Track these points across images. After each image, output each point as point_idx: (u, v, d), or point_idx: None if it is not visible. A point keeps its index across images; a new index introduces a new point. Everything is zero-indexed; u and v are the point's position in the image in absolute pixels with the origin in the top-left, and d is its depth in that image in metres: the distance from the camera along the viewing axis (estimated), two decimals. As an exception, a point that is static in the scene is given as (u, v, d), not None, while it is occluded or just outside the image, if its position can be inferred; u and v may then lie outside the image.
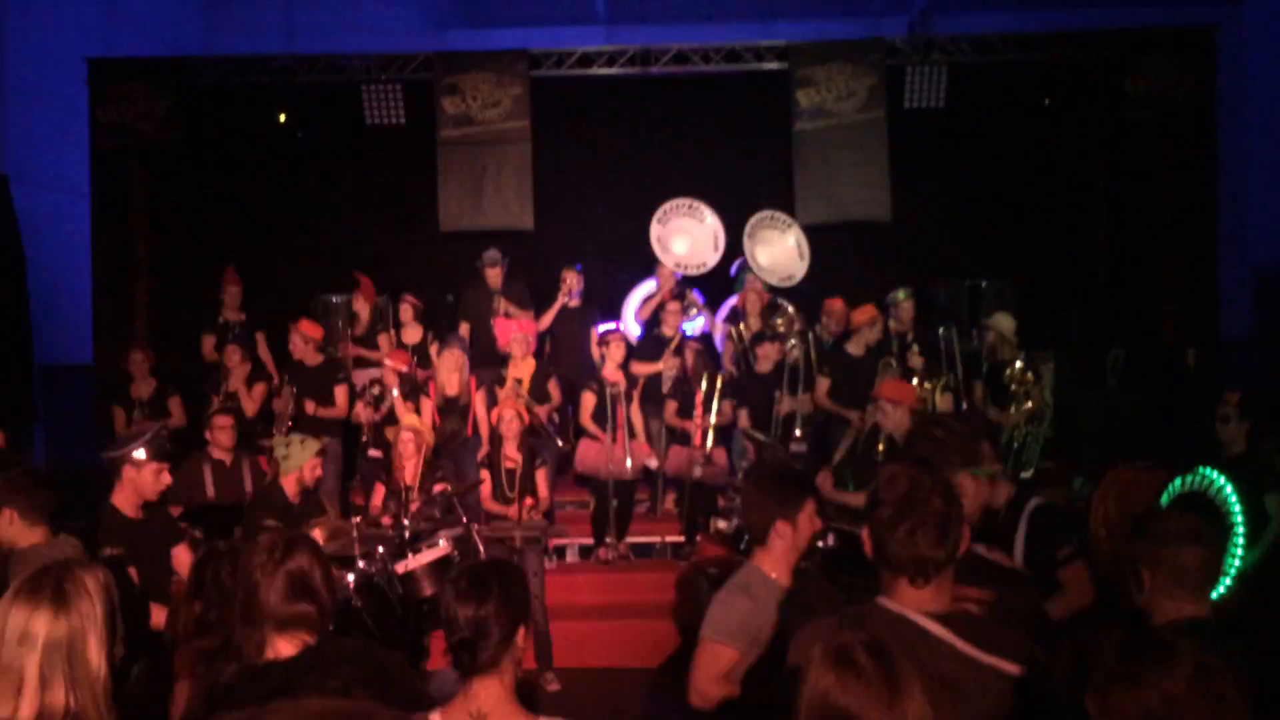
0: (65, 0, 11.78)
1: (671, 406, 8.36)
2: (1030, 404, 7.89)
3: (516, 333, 8.53)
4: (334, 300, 10.31)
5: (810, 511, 3.39)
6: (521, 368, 8.42)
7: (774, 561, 3.38)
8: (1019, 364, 7.99)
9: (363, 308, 9.57)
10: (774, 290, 9.54)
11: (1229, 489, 4.50)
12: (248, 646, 2.72)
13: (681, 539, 8.28)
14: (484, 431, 8.33)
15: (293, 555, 2.73)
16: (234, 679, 2.67)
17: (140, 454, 4.83)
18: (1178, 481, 4.66)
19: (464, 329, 9.41)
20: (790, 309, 9.08)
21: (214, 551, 3.52)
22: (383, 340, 9.55)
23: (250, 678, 2.64)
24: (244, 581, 2.75)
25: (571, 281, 9.38)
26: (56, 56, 11.29)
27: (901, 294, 9.03)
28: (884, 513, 2.38)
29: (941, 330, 8.85)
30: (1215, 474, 4.48)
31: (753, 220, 9.68)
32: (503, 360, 8.78)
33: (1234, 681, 2.07)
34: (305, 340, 8.59)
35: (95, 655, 2.45)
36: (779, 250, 9.63)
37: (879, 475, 2.51)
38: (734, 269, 9.93)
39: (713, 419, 8.25)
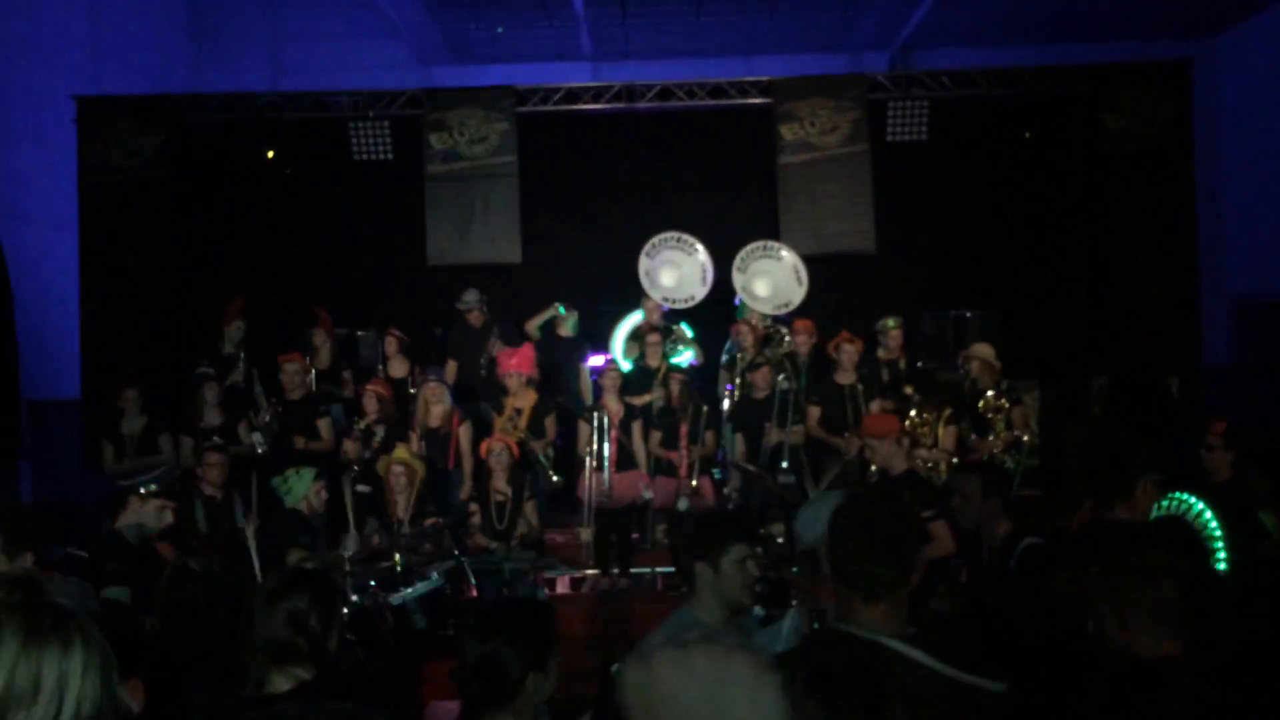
0: (52, 38, 11.83)
1: (655, 437, 8.39)
2: (1015, 431, 7.93)
3: (511, 368, 8.54)
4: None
5: (737, 556, 3.14)
6: (522, 399, 8.43)
7: (701, 606, 3.19)
8: (991, 393, 8.05)
9: (322, 342, 9.57)
10: (774, 319, 9.62)
11: (1207, 512, 4.56)
12: (248, 677, 2.77)
13: (673, 570, 8.28)
14: (466, 466, 8.33)
15: (293, 593, 2.77)
16: (230, 711, 2.70)
17: (151, 487, 4.87)
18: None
19: (451, 366, 9.42)
20: (786, 338, 9.15)
21: (185, 571, 3.55)
22: (346, 375, 9.57)
23: (242, 710, 2.68)
24: (244, 613, 2.79)
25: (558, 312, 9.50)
26: (44, 94, 11.34)
27: (890, 322, 9.10)
28: (837, 531, 2.40)
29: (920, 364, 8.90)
30: (1192, 498, 4.54)
31: (742, 253, 9.73)
32: (490, 396, 8.81)
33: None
34: (290, 374, 8.60)
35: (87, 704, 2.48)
36: (779, 277, 9.67)
37: (839, 501, 2.55)
38: (738, 299, 9.97)
39: (699, 450, 8.29)
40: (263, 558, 5.54)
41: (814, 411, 8.50)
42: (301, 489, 6.21)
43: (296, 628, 2.73)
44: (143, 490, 4.91)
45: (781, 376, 8.53)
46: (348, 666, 5.06)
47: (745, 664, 1.72)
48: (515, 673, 2.57)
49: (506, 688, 2.58)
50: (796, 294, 9.63)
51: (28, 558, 3.98)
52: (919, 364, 9.15)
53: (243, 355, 9.45)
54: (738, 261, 9.72)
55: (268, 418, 8.50)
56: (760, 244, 9.91)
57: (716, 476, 8.79)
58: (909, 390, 8.59)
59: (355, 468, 8.20)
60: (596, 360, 9.66)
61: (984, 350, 8.36)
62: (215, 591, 3.46)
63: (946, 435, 8.07)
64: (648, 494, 8.15)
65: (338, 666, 2.87)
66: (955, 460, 7.70)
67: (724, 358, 9.55)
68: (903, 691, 2.14)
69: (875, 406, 8.34)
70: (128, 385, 8.92)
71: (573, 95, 11.09)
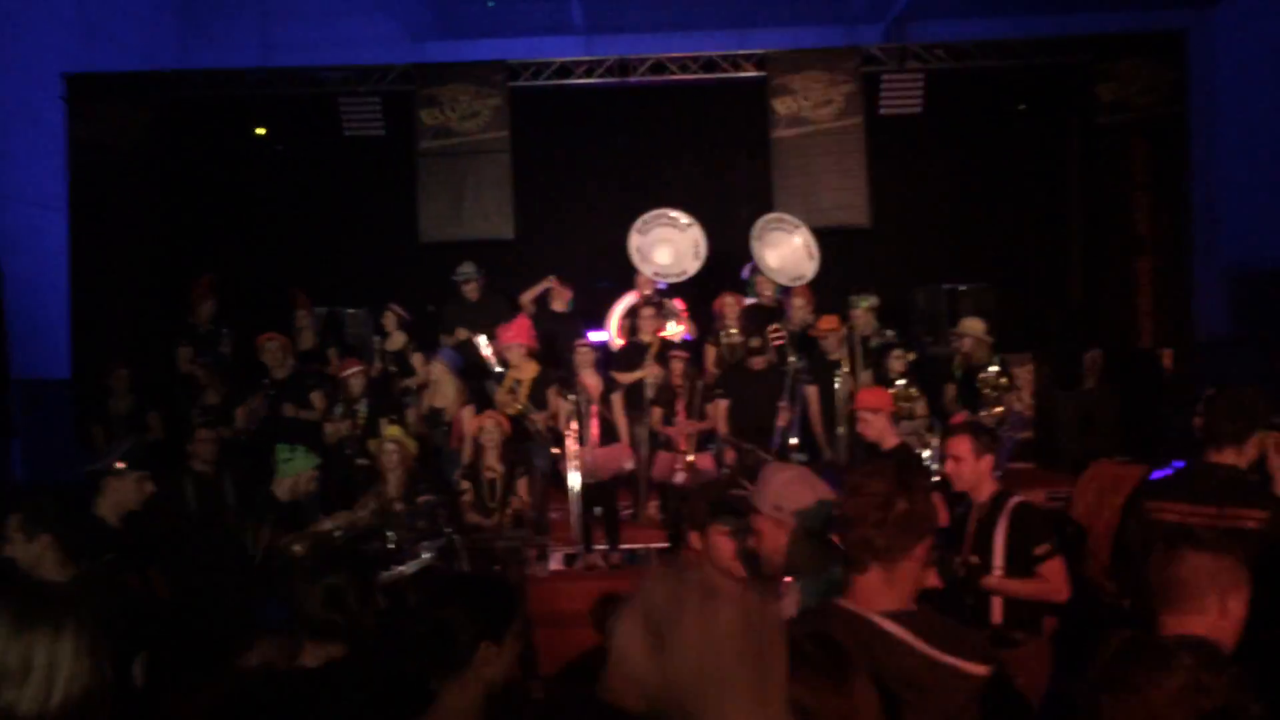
0: (41, 16, 11.72)
1: (656, 413, 8.37)
2: (1001, 408, 7.91)
3: (509, 340, 8.50)
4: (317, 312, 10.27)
5: (722, 529, 3.19)
6: (523, 370, 8.39)
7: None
8: (994, 368, 8.02)
9: (304, 323, 9.55)
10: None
11: None
12: (282, 648, 2.89)
13: (667, 545, 8.27)
14: (466, 448, 8.31)
15: (332, 570, 2.87)
16: (256, 684, 2.76)
17: (120, 465, 4.86)
18: None
19: (447, 342, 9.39)
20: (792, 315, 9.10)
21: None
22: (332, 354, 9.56)
23: (272, 685, 2.74)
24: (288, 588, 2.89)
25: (556, 288, 9.46)
26: (33, 72, 11.24)
27: (861, 302, 8.96)
28: (831, 513, 2.45)
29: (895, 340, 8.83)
30: None
31: (759, 223, 9.63)
32: (486, 372, 8.79)
33: (1232, 699, 2.07)
34: (273, 351, 8.59)
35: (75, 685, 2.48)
36: (788, 251, 9.61)
37: (857, 473, 2.51)
38: (745, 272, 9.91)
39: (695, 424, 8.27)
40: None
41: (811, 391, 8.46)
42: (301, 465, 6.17)
43: (334, 605, 2.81)
44: (118, 466, 4.88)
45: (793, 359, 8.47)
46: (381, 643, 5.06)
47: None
48: (465, 641, 2.51)
49: (454, 656, 2.51)
50: (808, 267, 9.54)
51: (44, 540, 3.97)
52: (888, 332, 9.06)
53: (225, 331, 9.43)
54: (755, 231, 9.57)
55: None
56: (775, 216, 9.81)
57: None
58: (911, 356, 8.54)
59: (349, 449, 8.20)
60: (594, 336, 9.62)
61: (975, 326, 8.33)
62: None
63: (922, 408, 8.06)
64: (628, 465, 8.14)
65: (372, 645, 2.88)
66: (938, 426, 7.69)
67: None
68: (883, 668, 2.14)
69: (865, 378, 8.34)
70: (117, 366, 8.90)
71: (565, 70, 11.01)
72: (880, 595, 2.32)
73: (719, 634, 1.67)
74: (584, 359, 8.40)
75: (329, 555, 2.90)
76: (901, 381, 8.05)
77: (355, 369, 8.46)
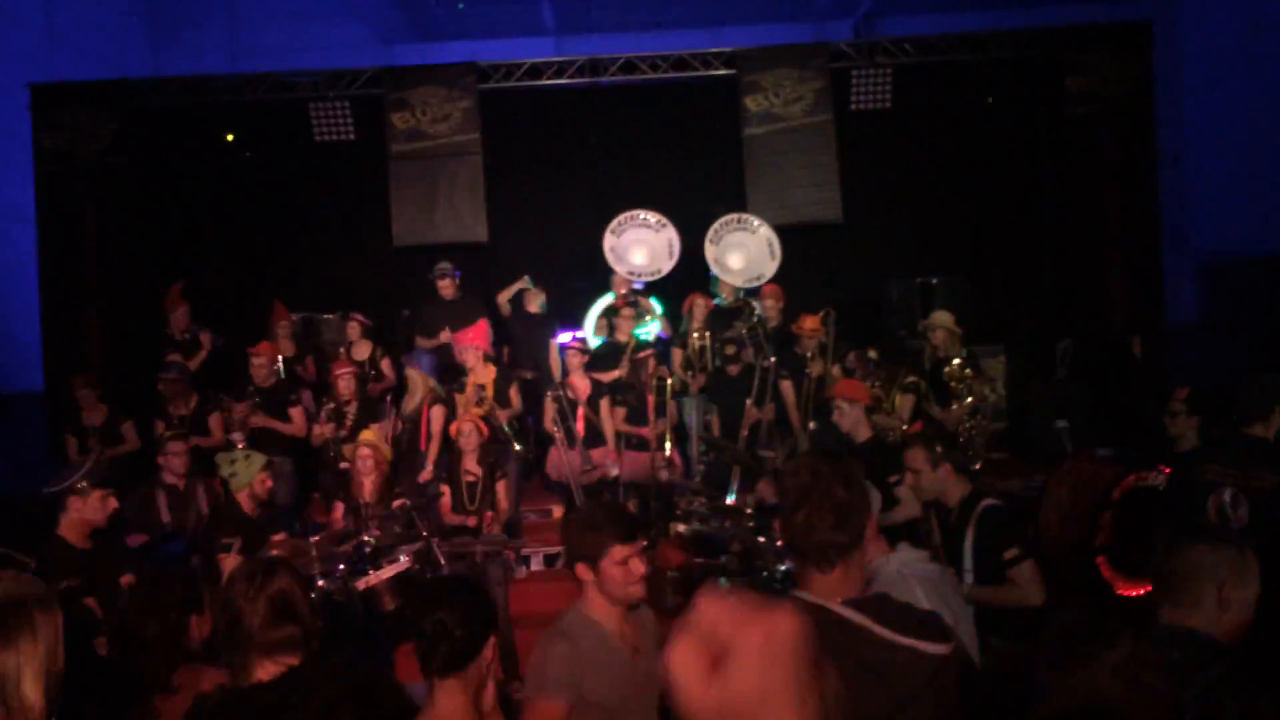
0: (7, 25, 11.64)
1: (620, 413, 8.39)
2: (970, 399, 7.95)
3: (466, 343, 8.53)
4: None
5: (618, 557, 3.09)
6: (482, 374, 8.42)
7: (592, 606, 3.13)
8: (957, 361, 8.06)
9: (284, 331, 9.54)
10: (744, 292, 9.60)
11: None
12: (233, 670, 2.72)
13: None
14: (433, 447, 8.32)
15: (274, 579, 2.74)
16: (218, 705, 2.67)
17: (83, 484, 4.83)
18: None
19: (421, 344, 9.38)
20: (757, 312, 9.12)
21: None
22: (309, 361, 9.55)
23: (235, 701, 2.64)
24: (227, 608, 2.73)
25: (530, 289, 9.49)
26: (-2, 82, 11.18)
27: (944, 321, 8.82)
28: (786, 502, 2.39)
29: (853, 353, 8.82)
30: None
31: (715, 225, 9.72)
32: (459, 373, 8.79)
33: (1163, 679, 2.10)
34: (261, 365, 8.58)
35: (32, 691, 2.45)
36: (753, 250, 9.68)
37: (784, 469, 2.52)
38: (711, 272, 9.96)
39: (664, 423, 8.29)
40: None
41: (787, 387, 8.49)
42: (248, 475, 6.16)
43: (283, 615, 2.69)
44: (80, 485, 4.85)
45: (759, 355, 8.51)
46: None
47: None
48: (470, 638, 2.62)
49: (462, 654, 2.62)
50: (769, 267, 9.64)
51: None
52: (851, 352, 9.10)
53: (206, 337, 9.40)
54: (710, 234, 9.71)
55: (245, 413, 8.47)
56: (734, 216, 9.91)
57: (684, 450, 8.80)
58: (872, 354, 8.59)
59: (330, 451, 8.20)
60: (566, 337, 9.63)
61: (944, 319, 8.36)
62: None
63: (903, 403, 8.09)
64: (614, 470, 8.16)
65: (324, 650, 2.85)
66: (905, 427, 7.71)
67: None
68: (843, 655, 2.17)
69: (836, 371, 8.39)
70: (80, 379, 8.85)
71: (536, 70, 11.01)
72: (839, 586, 2.35)
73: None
74: (574, 361, 8.45)
75: (267, 564, 2.81)
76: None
77: (346, 370, 8.45)
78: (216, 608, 2.90)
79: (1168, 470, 4.96)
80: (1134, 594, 4.93)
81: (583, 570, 3.14)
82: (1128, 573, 5.04)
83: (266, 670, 2.67)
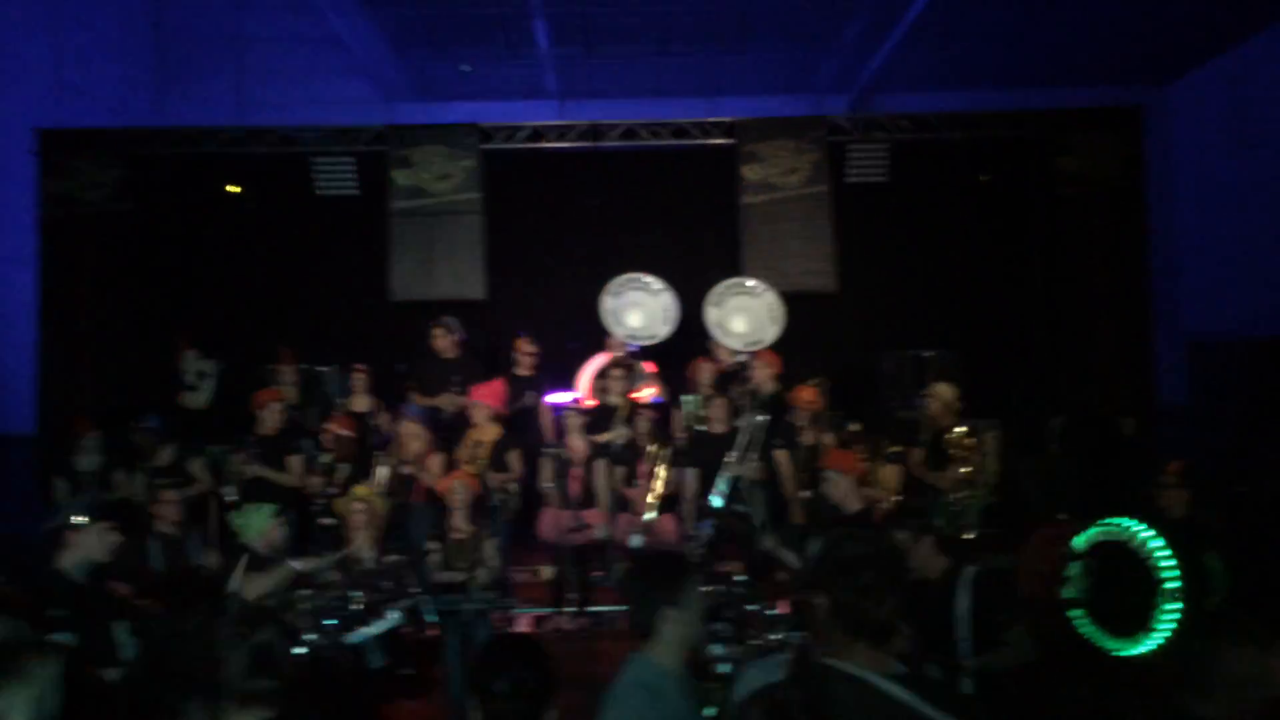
0: (13, 71, 11.76)
1: (618, 474, 8.39)
2: (969, 468, 7.97)
3: (477, 400, 8.56)
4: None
5: (700, 599, 3.24)
6: (485, 432, 8.43)
7: (664, 652, 3.22)
8: (959, 429, 8.11)
9: (290, 379, 9.55)
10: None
11: (1151, 540, 4.61)
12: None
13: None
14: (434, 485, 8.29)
15: (258, 629, 2.73)
16: None
17: (80, 518, 4.80)
18: (1094, 530, 4.77)
19: (417, 400, 9.38)
20: (753, 377, 9.16)
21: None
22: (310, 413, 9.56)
23: None
24: (207, 655, 2.73)
25: (524, 348, 9.47)
26: (5, 126, 11.27)
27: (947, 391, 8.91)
28: (852, 578, 2.38)
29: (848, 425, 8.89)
30: (1134, 523, 4.60)
31: (718, 288, 9.76)
32: (456, 429, 8.79)
33: None
34: (273, 412, 8.59)
35: None
36: (757, 314, 9.71)
37: (837, 538, 2.52)
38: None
39: (659, 487, 8.27)
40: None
41: (782, 455, 8.46)
42: (259, 525, 6.15)
43: (263, 665, 2.69)
44: (78, 520, 4.81)
45: (758, 416, 8.50)
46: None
47: None
48: (544, 697, 2.64)
49: (533, 713, 2.63)
50: (769, 332, 9.65)
51: None
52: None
53: (209, 377, 9.43)
54: (712, 296, 9.73)
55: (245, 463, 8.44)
56: (738, 280, 9.95)
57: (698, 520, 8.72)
58: (854, 427, 8.64)
59: (318, 502, 8.18)
60: (558, 398, 9.65)
61: (945, 391, 8.42)
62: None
63: (888, 474, 8.11)
64: (599, 534, 8.13)
65: (304, 706, 2.83)
66: (895, 499, 7.72)
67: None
68: None
69: (828, 439, 8.40)
70: (90, 426, 8.84)
71: (538, 133, 11.18)
72: (884, 662, 2.37)
73: None
74: (572, 423, 8.46)
75: (252, 615, 2.79)
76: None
77: (337, 426, 8.44)
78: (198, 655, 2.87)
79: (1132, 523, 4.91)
80: (1129, 655, 4.88)
81: (667, 612, 3.20)
82: (1115, 631, 4.98)
83: None
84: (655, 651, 3.21)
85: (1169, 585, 4.80)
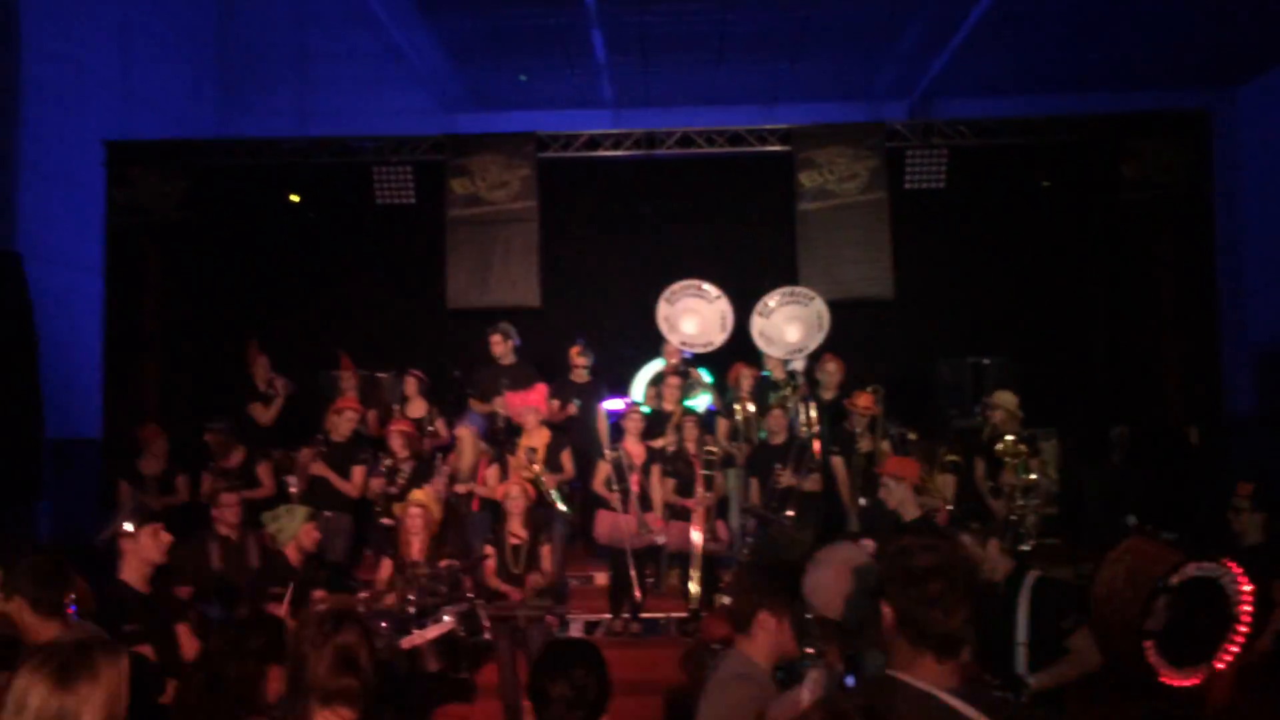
0: (82, 82, 12.05)
1: (670, 484, 8.37)
2: (1030, 475, 7.85)
3: (523, 404, 8.62)
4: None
5: (799, 610, 3.20)
6: (535, 437, 8.47)
7: (757, 649, 3.25)
8: (1010, 437, 7.99)
9: (349, 383, 9.67)
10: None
11: (1243, 581, 4.60)
12: (291, 717, 2.76)
13: (686, 615, 8.23)
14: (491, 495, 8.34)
15: (342, 630, 2.76)
16: None
17: (128, 526, 4.87)
18: (1191, 567, 4.71)
19: (475, 406, 9.44)
20: (800, 377, 9.13)
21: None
22: (371, 417, 9.65)
23: None
24: (293, 653, 2.78)
25: (578, 358, 9.48)
26: (73, 137, 11.54)
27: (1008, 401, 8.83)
28: (919, 588, 2.33)
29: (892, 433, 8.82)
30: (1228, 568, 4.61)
31: (765, 299, 9.77)
32: (512, 433, 8.83)
33: None
34: (348, 420, 8.73)
35: None
36: (804, 323, 9.70)
37: (906, 545, 2.45)
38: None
39: (711, 495, 8.24)
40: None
41: (838, 463, 8.41)
42: (293, 528, 6.23)
43: (346, 667, 2.72)
44: (126, 527, 4.88)
45: (802, 421, 8.48)
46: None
47: None
48: (601, 701, 2.67)
49: (596, 713, 2.65)
50: (814, 340, 9.65)
51: (17, 601, 3.78)
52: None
53: (282, 384, 9.59)
54: (760, 307, 9.74)
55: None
56: (787, 290, 9.94)
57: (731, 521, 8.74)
58: (911, 435, 8.55)
59: (378, 506, 8.26)
60: (613, 404, 9.66)
61: (1007, 399, 8.31)
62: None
63: (943, 482, 8.01)
64: (660, 539, 8.12)
65: (382, 706, 2.86)
66: (950, 509, 7.62)
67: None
68: None
69: (886, 446, 8.32)
70: (156, 429, 9.01)
71: (594, 142, 11.21)
72: (950, 676, 2.32)
73: None
74: (632, 426, 8.48)
75: (336, 615, 2.82)
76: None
77: (401, 427, 8.54)
78: (287, 656, 2.92)
79: (1232, 565, 4.84)
80: (1177, 684, 4.83)
81: (765, 618, 3.24)
82: (1173, 661, 4.92)
83: None
84: (751, 649, 3.27)
85: (1241, 623, 4.75)
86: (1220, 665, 4.87)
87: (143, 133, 11.59)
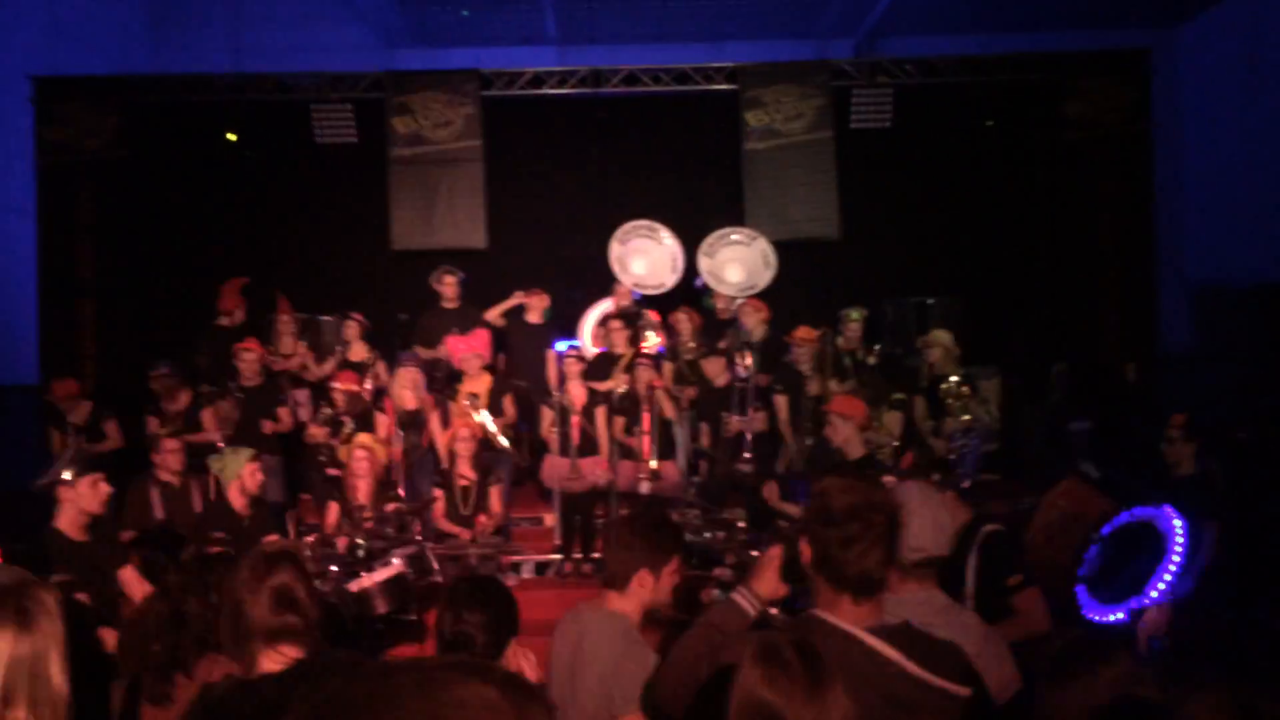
0: (8, 18, 11.62)
1: (619, 423, 8.39)
2: (967, 416, 7.97)
3: (466, 351, 8.57)
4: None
5: (674, 567, 3.20)
6: (476, 383, 8.45)
7: (631, 605, 3.18)
8: (954, 378, 8.10)
9: (286, 327, 9.54)
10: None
11: (1178, 523, 4.71)
12: (237, 662, 2.73)
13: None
14: (441, 449, 8.32)
15: (275, 570, 2.74)
16: (225, 694, 2.66)
17: (67, 475, 4.79)
18: (1124, 517, 4.80)
19: (421, 352, 9.36)
20: (744, 325, 9.18)
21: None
22: (311, 362, 9.53)
23: (242, 692, 2.64)
24: (229, 598, 2.74)
25: (532, 300, 9.45)
26: (1, 75, 11.15)
27: (854, 314, 9.10)
28: (837, 529, 2.31)
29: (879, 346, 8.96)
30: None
31: (710, 238, 9.76)
32: (455, 380, 8.79)
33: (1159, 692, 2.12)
34: (250, 362, 8.59)
35: (58, 674, 2.43)
36: (750, 261, 9.72)
37: (826, 487, 2.43)
38: (700, 283, 9.97)
39: (657, 433, 8.28)
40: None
41: (781, 401, 8.48)
42: (235, 468, 6.19)
43: (285, 605, 2.69)
44: (65, 476, 4.80)
45: (749, 362, 8.51)
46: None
47: None
48: (491, 643, 2.68)
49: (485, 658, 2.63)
50: (763, 278, 9.68)
51: None
52: (876, 347, 9.27)
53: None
54: (705, 246, 9.75)
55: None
56: (730, 229, 9.94)
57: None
58: (872, 359, 8.65)
59: (322, 456, 8.20)
60: (563, 346, 9.64)
61: (943, 337, 8.41)
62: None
63: (891, 420, 8.11)
64: (603, 479, 8.14)
65: (328, 642, 2.86)
66: (897, 444, 7.72)
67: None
68: (871, 687, 2.17)
69: (834, 385, 8.40)
70: (58, 383, 8.85)
71: (538, 80, 11.05)
72: (869, 615, 2.33)
73: None
74: (571, 369, 8.46)
75: (269, 556, 2.80)
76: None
77: (346, 383, 8.43)
78: (222, 599, 2.89)
79: (1168, 507, 4.94)
80: (1103, 619, 4.95)
81: (645, 577, 3.15)
82: (1105, 600, 5.04)
83: (273, 661, 2.67)
84: (624, 603, 3.18)
85: (1173, 561, 4.87)
86: (1150, 600, 5.01)
87: (71, 68, 11.20)
